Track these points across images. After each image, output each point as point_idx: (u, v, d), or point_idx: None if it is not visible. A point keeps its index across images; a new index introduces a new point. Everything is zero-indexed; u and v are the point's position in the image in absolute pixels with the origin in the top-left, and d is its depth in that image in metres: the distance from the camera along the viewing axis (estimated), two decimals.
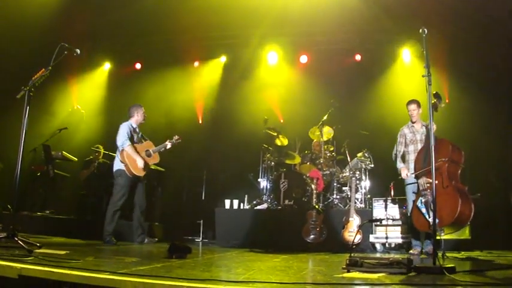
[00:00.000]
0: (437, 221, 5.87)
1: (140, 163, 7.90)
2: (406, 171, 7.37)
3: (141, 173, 8.00)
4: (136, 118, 8.29)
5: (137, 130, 8.33)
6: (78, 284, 3.34)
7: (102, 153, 11.09)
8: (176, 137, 8.45)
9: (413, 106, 7.50)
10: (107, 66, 13.52)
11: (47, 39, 9.21)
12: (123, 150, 7.90)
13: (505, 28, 9.85)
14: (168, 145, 8.38)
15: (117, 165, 8.00)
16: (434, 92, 6.48)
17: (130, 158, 7.89)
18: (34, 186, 10.66)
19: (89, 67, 13.14)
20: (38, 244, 5.01)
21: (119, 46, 12.86)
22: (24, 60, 9.78)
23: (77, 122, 12.56)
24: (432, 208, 6.13)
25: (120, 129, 8.06)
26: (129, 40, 12.52)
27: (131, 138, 8.04)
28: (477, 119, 9.93)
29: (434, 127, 7.11)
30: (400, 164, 7.58)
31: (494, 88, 10.20)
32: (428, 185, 6.39)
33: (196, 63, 13.09)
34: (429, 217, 6.28)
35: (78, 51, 5.45)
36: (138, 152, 8.00)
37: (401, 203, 8.33)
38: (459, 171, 6.37)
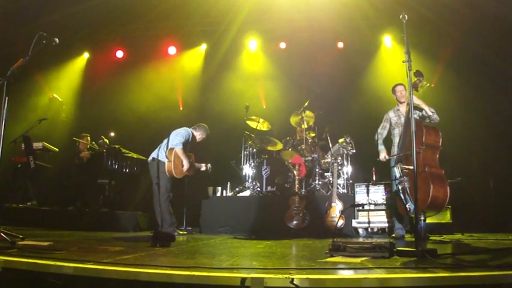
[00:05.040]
0: (413, 206, 5.99)
1: (186, 165, 8.05)
2: (384, 154, 7.47)
3: (179, 176, 8.14)
4: (197, 134, 8.50)
5: (190, 142, 8.43)
6: (63, 275, 3.33)
7: (89, 142, 11.07)
8: (210, 166, 8.78)
9: (401, 87, 7.55)
10: (85, 55, 13.41)
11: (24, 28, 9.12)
12: (173, 149, 8.00)
13: (480, 12, 9.96)
14: (203, 167, 8.68)
15: (162, 157, 8.04)
16: (415, 71, 6.53)
17: (177, 159, 8.02)
18: (15, 178, 10.55)
19: (68, 56, 13.02)
20: (20, 236, 4.97)
21: (98, 35, 12.74)
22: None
23: (56, 111, 12.46)
24: (408, 194, 6.26)
25: (182, 131, 8.21)
26: (107, 29, 12.41)
27: (185, 144, 8.15)
28: (461, 106, 10.03)
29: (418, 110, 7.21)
30: (380, 146, 7.65)
31: (481, 77, 10.30)
32: (405, 171, 6.46)
33: (173, 50, 13.02)
34: (406, 203, 6.39)
35: (57, 40, 5.37)
36: (186, 156, 8.14)
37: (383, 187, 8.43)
38: (437, 155, 6.40)
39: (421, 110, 7.21)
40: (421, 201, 5.83)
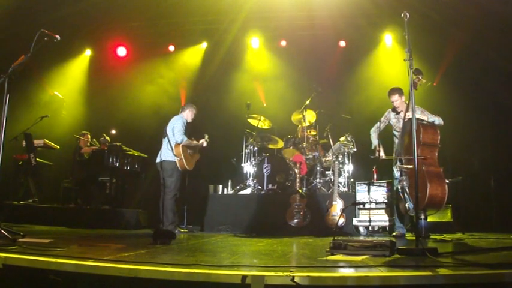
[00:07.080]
0: (412, 205, 5.99)
1: (196, 142, 8.22)
2: (378, 153, 7.29)
3: (191, 167, 8.14)
4: (188, 116, 8.44)
5: (187, 126, 8.41)
6: (64, 272, 3.33)
7: (89, 140, 11.06)
8: (207, 137, 8.68)
9: (395, 97, 7.36)
10: (87, 52, 13.40)
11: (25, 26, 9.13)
12: (179, 144, 7.97)
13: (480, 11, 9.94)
14: (204, 143, 8.58)
15: (169, 156, 7.99)
16: (414, 69, 6.48)
17: (185, 152, 8.01)
18: (16, 175, 10.56)
19: (69, 54, 13.00)
20: (21, 233, 4.97)
21: (100, 32, 12.72)
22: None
23: (57, 108, 12.45)
24: (408, 193, 6.25)
25: (177, 122, 8.15)
26: (110, 26, 12.39)
27: (185, 132, 8.16)
28: (463, 105, 10.01)
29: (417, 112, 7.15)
30: (375, 140, 7.53)
31: (481, 77, 10.27)
32: (405, 170, 6.46)
33: (172, 48, 13.02)
34: (405, 202, 6.39)
35: (58, 37, 5.37)
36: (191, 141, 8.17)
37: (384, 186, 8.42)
38: (436, 153, 6.36)
39: (422, 120, 7.09)
40: (419, 199, 5.84)
